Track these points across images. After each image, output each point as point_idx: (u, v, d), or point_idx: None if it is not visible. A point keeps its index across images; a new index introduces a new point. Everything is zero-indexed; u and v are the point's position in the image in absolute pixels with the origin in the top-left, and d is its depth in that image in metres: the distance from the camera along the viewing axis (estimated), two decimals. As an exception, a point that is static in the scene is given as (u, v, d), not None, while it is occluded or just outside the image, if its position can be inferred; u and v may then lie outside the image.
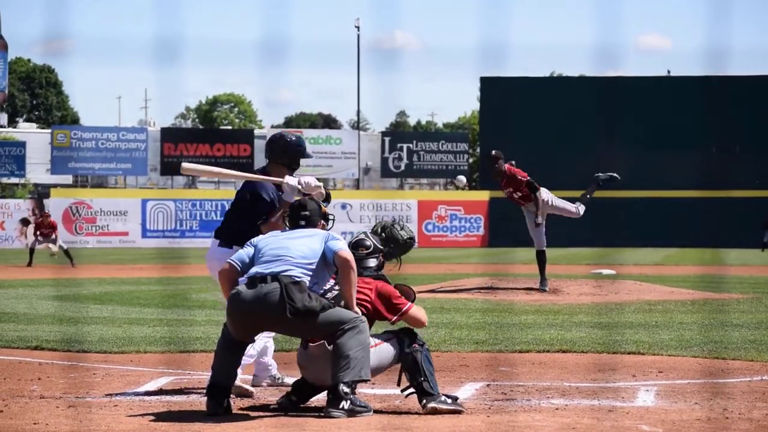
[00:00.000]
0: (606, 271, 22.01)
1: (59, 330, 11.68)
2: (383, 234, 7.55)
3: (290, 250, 7.07)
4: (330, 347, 7.02)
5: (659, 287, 17.16)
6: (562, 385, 8.16)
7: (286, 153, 8.03)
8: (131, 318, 13.09)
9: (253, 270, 7.04)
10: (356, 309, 7.02)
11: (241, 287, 6.99)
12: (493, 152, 16.44)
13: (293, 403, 7.17)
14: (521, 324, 12.23)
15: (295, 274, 6.96)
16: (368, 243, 7.44)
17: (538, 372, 8.88)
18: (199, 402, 7.39)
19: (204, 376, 8.51)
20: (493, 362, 9.39)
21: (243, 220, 7.91)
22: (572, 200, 17.01)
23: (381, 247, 7.46)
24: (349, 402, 6.84)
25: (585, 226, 39.02)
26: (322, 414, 6.86)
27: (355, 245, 7.43)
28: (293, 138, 8.15)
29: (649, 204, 40.72)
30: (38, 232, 27.60)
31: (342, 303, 7.04)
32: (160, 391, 7.87)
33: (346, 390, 6.84)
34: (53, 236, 27.60)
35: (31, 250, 27.54)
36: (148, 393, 7.79)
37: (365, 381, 7.00)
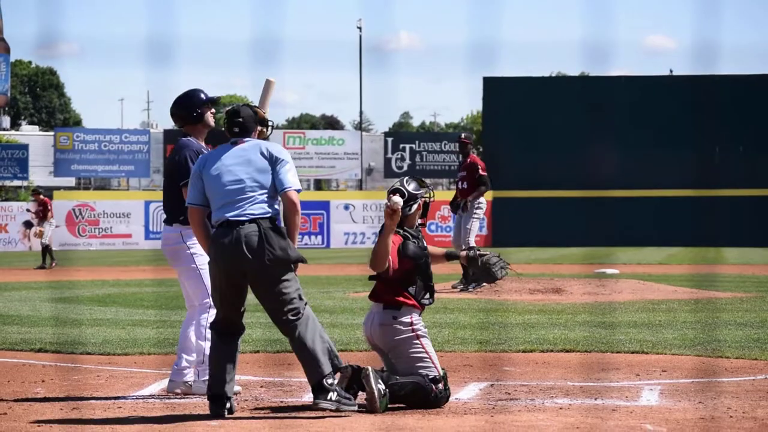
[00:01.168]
0: (609, 271, 21.97)
1: (62, 332, 11.65)
2: (417, 179, 7.55)
3: (245, 182, 6.96)
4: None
5: (662, 286, 17.13)
6: (565, 385, 8.14)
7: (194, 104, 7.91)
8: (134, 320, 13.07)
9: (223, 215, 6.92)
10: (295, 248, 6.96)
11: (218, 232, 6.90)
12: (463, 135, 17.16)
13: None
14: (525, 324, 12.21)
15: (267, 214, 6.87)
16: (402, 191, 7.41)
17: (541, 371, 8.86)
18: (203, 403, 7.37)
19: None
20: (496, 362, 9.37)
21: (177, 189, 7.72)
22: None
23: (416, 193, 7.44)
24: (336, 393, 6.83)
25: (587, 225, 39.02)
26: (311, 406, 6.84)
27: (390, 193, 7.43)
28: (189, 90, 7.99)
29: (652, 203, 40.67)
30: (35, 212, 27.09)
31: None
32: (164, 393, 7.83)
33: (331, 381, 6.83)
34: (44, 214, 26.83)
35: (44, 248, 27.12)
36: (151, 395, 7.78)
37: (342, 369, 6.99)
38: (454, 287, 16.58)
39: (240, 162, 6.99)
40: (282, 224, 6.98)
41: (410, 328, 7.25)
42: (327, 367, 6.84)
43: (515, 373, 8.75)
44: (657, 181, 40.45)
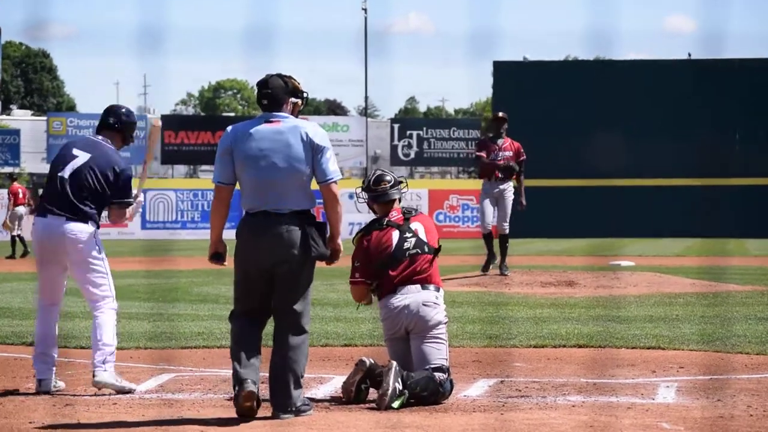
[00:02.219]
0: (625, 263, 21.72)
1: (55, 325, 11.51)
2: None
3: (285, 171, 6.55)
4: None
5: (679, 279, 16.91)
6: (578, 381, 8.00)
7: (127, 125, 7.86)
8: (130, 313, 12.83)
9: (260, 205, 6.55)
10: (339, 241, 6.75)
11: (253, 221, 6.54)
12: (501, 113, 16.81)
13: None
14: (536, 318, 12.06)
15: (308, 207, 6.57)
16: (388, 177, 7.50)
17: (553, 367, 8.72)
18: (201, 400, 7.23)
19: (206, 373, 8.43)
20: (507, 358, 9.23)
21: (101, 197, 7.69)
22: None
23: (400, 179, 7.54)
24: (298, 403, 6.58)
25: (602, 216, 38.78)
26: (271, 416, 6.56)
27: (377, 181, 7.44)
28: (124, 110, 7.90)
29: (669, 193, 40.37)
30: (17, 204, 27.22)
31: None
32: (161, 389, 7.73)
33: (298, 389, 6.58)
34: (14, 209, 26.94)
35: (17, 237, 27.03)
36: (148, 390, 7.65)
37: (359, 363, 7.01)
38: (484, 271, 16.55)
39: (278, 146, 6.56)
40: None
41: (444, 310, 7.35)
42: (296, 393, 6.53)
43: (526, 369, 8.62)
44: (673, 170, 40.11)
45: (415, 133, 51.27)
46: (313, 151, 6.56)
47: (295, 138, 6.56)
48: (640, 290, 15.41)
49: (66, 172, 7.65)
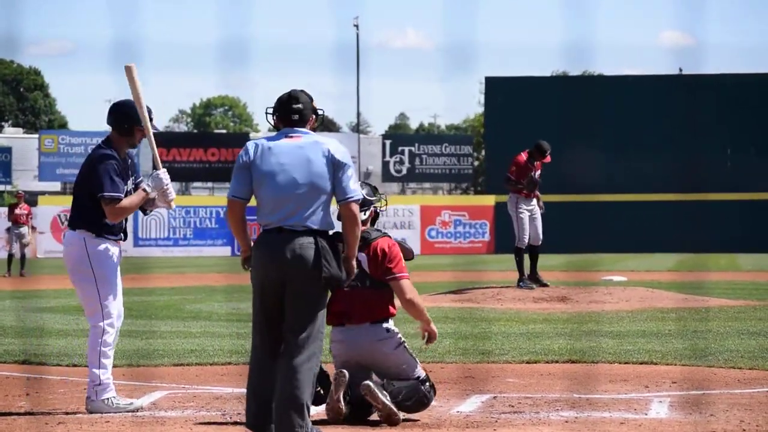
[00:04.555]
0: (617, 278, 21.69)
1: (48, 343, 11.38)
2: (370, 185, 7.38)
3: (303, 188, 6.29)
4: None
5: (672, 294, 16.88)
6: (571, 397, 7.96)
7: (131, 118, 7.62)
8: (122, 330, 12.62)
9: (276, 221, 6.30)
10: (354, 263, 6.44)
11: (267, 237, 6.31)
12: (548, 150, 17.51)
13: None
14: (529, 333, 12.01)
15: (325, 227, 6.32)
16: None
17: (546, 383, 8.67)
18: (193, 417, 7.19)
19: (199, 390, 8.37)
20: (500, 373, 9.17)
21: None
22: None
23: (371, 199, 7.24)
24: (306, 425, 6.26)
25: (594, 231, 38.74)
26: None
27: None
28: (112, 105, 7.76)
29: (662, 207, 40.40)
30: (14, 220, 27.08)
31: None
32: (154, 406, 7.67)
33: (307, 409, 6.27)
34: (24, 229, 26.71)
35: (10, 256, 27.00)
36: (141, 408, 7.58)
37: (338, 374, 6.88)
38: (523, 286, 16.59)
39: (298, 162, 6.33)
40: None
41: (398, 336, 7.16)
42: (310, 394, 6.24)
43: (519, 385, 8.58)
44: (665, 185, 40.12)
45: (406, 149, 51.10)
46: (335, 167, 6.34)
47: (316, 154, 6.35)
48: (632, 305, 15.36)
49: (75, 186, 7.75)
